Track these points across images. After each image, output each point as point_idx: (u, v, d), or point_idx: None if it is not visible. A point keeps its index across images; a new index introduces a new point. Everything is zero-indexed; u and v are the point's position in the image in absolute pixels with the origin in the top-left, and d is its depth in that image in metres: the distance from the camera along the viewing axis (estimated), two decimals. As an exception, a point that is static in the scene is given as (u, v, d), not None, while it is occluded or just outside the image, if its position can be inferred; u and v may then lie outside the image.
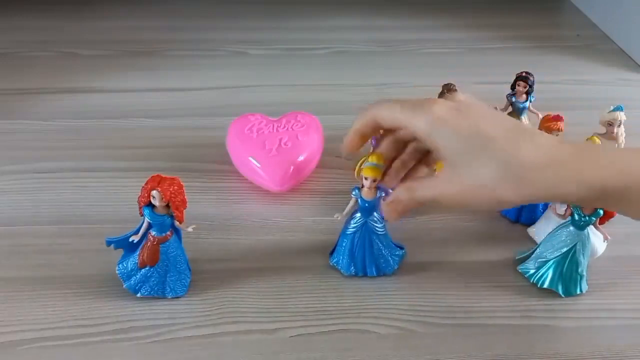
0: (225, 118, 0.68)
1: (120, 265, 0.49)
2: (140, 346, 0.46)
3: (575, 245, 0.49)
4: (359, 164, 0.58)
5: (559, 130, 0.55)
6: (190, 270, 0.51)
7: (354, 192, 0.50)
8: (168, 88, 0.83)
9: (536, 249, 0.52)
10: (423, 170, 0.47)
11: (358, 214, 0.51)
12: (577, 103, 0.81)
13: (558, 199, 0.41)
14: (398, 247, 0.54)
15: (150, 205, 0.46)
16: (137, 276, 0.49)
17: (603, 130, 0.57)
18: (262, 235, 0.57)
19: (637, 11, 0.93)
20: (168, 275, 0.49)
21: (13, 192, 0.62)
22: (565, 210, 0.49)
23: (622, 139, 0.57)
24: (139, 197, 0.46)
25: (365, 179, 0.49)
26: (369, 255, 0.52)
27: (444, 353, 0.46)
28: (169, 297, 0.50)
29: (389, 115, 0.43)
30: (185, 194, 0.46)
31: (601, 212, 0.48)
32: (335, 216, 0.51)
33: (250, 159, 0.61)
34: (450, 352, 0.46)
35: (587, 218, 0.48)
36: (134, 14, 1.08)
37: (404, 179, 0.47)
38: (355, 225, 0.51)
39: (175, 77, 0.86)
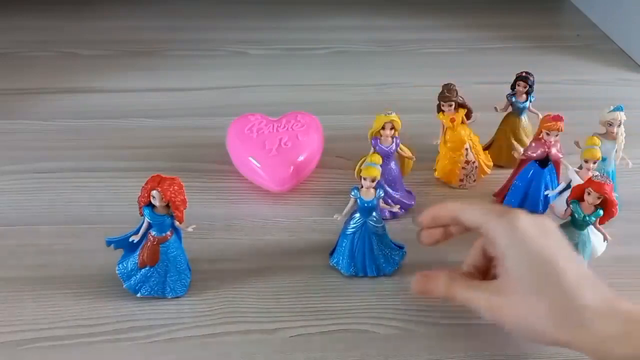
0: (225, 118, 0.68)
1: (120, 265, 0.49)
2: (140, 346, 0.46)
3: (575, 245, 0.49)
4: (359, 164, 0.58)
5: (558, 130, 0.55)
6: (190, 270, 0.51)
7: (353, 192, 0.50)
8: (168, 88, 0.83)
9: None
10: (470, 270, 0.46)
11: (357, 214, 0.51)
12: (577, 103, 0.81)
13: (598, 354, 0.38)
14: (398, 247, 0.54)
15: (150, 205, 0.46)
16: (137, 276, 0.49)
17: (603, 130, 0.57)
18: (262, 235, 0.57)
19: (637, 11, 0.93)
20: (168, 275, 0.49)
21: (13, 192, 0.62)
22: (565, 210, 0.49)
23: (622, 139, 0.57)
24: (139, 197, 0.46)
25: (364, 179, 0.49)
26: (369, 255, 0.52)
27: (444, 353, 0.46)
28: (169, 297, 0.50)
29: (471, 218, 0.44)
30: (185, 194, 0.46)
31: (601, 212, 0.48)
32: (334, 217, 0.51)
33: (250, 159, 0.61)
34: (450, 352, 0.46)
35: (587, 218, 0.48)
36: (134, 14, 1.08)
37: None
38: (354, 225, 0.51)
39: (175, 77, 0.86)
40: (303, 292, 0.51)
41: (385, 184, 0.58)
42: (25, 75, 0.86)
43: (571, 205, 0.49)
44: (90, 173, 0.65)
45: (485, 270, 0.46)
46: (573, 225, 0.49)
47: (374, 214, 0.51)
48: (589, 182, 0.47)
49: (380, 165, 0.57)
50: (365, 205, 0.50)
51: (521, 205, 0.58)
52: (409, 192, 0.60)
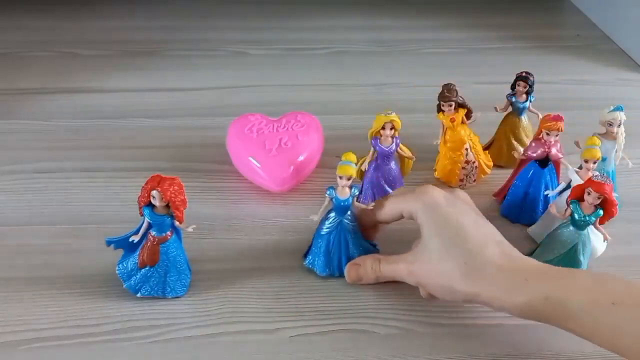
0: (225, 118, 0.68)
1: (120, 265, 0.49)
2: (140, 346, 0.46)
3: (575, 245, 0.49)
4: (359, 164, 0.58)
5: (558, 130, 0.55)
6: (190, 270, 0.51)
7: (328, 192, 0.50)
8: (168, 88, 0.83)
9: (536, 249, 0.52)
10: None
11: (332, 214, 0.50)
12: (577, 103, 0.81)
13: (504, 306, 0.43)
14: (371, 245, 0.53)
15: (150, 205, 0.46)
16: (137, 276, 0.49)
17: (603, 130, 0.57)
18: (262, 235, 0.57)
19: (637, 11, 0.93)
20: (168, 275, 0.49)
21: (13, 192, 0.62)
22: (565, 210, 0.49)
23: (622, 139, 0.57)
24: (139, 197, 0.46)
25: (340, 177, 0.49)
26: (345, 255, 0.51)
27: (444, 353, 0.46)
28: (169, 297, 0.50)
29: (395, 205, 0.50)
30: (185, 194, 0.46)
31: (601, 212, 0.48)
32: (311, 217, 0.51)
33: (250, 159, 0.61)
34: (450, 352, 0.46)
35: (587, 218, 0.48)
36: (134, 14, 1.08)
37: None
38: (330, 225, 0.51)
39: (175, 77, 0.86)
40: (303, 292, 0.51)
41: (385, 184, 0.58)
42: (25, 75, 0.86)
43: (571, 205, 0.49)
44: (90, 173, 0.65)
45: None
46: (573, 225, 0.49)
47: (348, 212, 0.50)
48: (589, 182, 0.47)
49: (380, 165, 0.57)
50: (341, 204, 0.49)
51: (521, 205, 0.58)
52: (409, 192, 0.60)
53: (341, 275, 0.52)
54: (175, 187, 0.46)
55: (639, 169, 0.63)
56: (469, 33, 1.03)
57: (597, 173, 0.50)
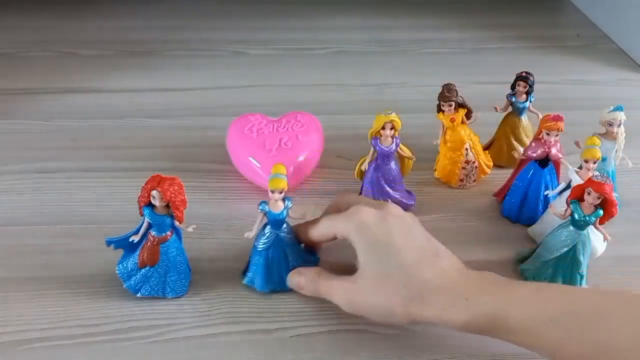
0: (225, 118, 0.68)
1: (120, 265, 0.49)
2: (140, 346, 0.46)
3: (575, 245, 0.49)
4: (359, 164, 0.58)
5: (558, 130, 0.55)
6: (190, 270, 0.51)
7: (261, 207, 0.48)
8: (168, 88, 0.83)
9: (536, 249, 0.52)
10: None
11: (268, 228, 0.49)
12: (577, 103, 0.81)
13: (446, 323, 0.42)
14: (311, 254, 0.52)
15: (151, 205, 0.46)
16: (137, 276, 0.49)
17: (603, 130, 0.57)
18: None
19: (637, 11, 0.93)
20: (168, 275, 0.49)
21: (13, 192, 0.62)
22: (565, 210, 0.49)
23: (622, 138, 0.57)
24: (139, 197, 0.46)
25: (271, 191, 0.47)
26: (285, 268, 0.50)
27: (444, 353, 0.46)
28: (170, 297, 0.50)
29: (331, 229, 0.48)
30: (185, 194, 0.46)
31: (601, 212, 0.48)
32: (245, 235, 0.49)
33: (250, 159, 0.61)
34: (450, 352, 0.46)
35: (587, 218, 0.48)
36: (134, 14, 1.08)
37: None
38: (266, 240, 0.49)
39: (175, 77, 0.86)
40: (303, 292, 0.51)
41: (385, 184, 0.58)
42: (25, 75, 0.86)
43: (571, 205, 0.49)
44: (90, 173, 0.65)
45: None
46: (573, 225, 0.49)
47: (284, 225, 0.49)
48: (589, 182, 0.47)
49: (380, 165, 0.57)
50: (276, 218, 0.48)
51: (521, 205, 0.58)
52: (409, 192, 0.60)
53: (283, 289, 0.50)
54: (175, 187, 0.46)
55: (639, 169, 0.63)
56: (469, 33, 1.03)
57: (597, 173, 0.50)
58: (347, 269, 0.47)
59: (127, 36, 0.99)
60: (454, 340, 0.47)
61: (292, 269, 0.50)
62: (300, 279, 0.49)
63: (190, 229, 0.48)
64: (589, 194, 0.47)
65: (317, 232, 0.49)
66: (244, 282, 0.51)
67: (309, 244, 0.51)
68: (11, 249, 0.55)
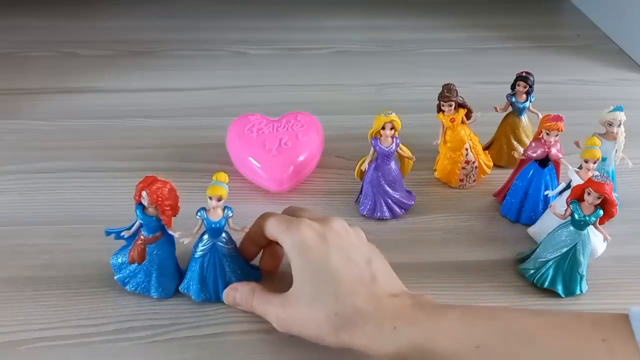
0: (225, 118, 0.68)
1: (114, 257, 0.50)
2: (140, 346, 0.46)
3: (575, 245, 0.49)
4: (359, 164, 0.58)
5: (558, 130, 0.55)
6: (180, 274, 0.50)
7: (199, 213, 0.47)
8: (168, 88, 0.83)
9: (536, 249, 0.52)
10: None
11: (205, 236, 0.48)
12: (577, 103, 0.81)
13: (375, 353, 0.41)
14: (253, 268, 0.51)
15: (143, 204, 0.46)
16: (127, 271, 0.49)
17: (603, 130, 0.57)
18: (262, 235, 0.57)
19: (637, 11, 0.93)
20: (153, 275, 0.49)
21: (13, 192, 0.62)
22: (565, 210, 0.49)
23: (622, 138, 0.57)
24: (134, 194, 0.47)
25: (210, 198, 0.46)
26: (221, 279, 0.49)
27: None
28: (154, 296, 0.50)
29: (268, 228, 0.47)
30: (177, 200, 0.46)
31: (601, 212, 0.48)
32: (182, 241, 0.47)
33: (250, 159, 0.61)
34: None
35: (587, 218, 0.48)
36: (134, 14, 1.08)
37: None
38: (203, 247, 0.48)
39: (175, 77, 0.86)
40: (303, 292, 0.51)
41: (385, 184, 0.58)
42: (25, 75, 0.86)
43: (571, 206, 0.49)
44: (90, 173, 0.65)
45: None
46: (573, 225, 0.49)
47: (223, 235, 0.48)
48: (589, 182, 0.47)
49: (380, 165, 0.57)
50: (213, 226, 0.47)
51: (521, 205, 0.58)
52: (409, 192, 0.60)
53: (218, 300, 0.49)
54: (164, 191, 0.45)
55: (639, 169, 0.63)
56: (469, 33, 1.03)
57: (597, 173, 0.50)
58: (284, 282, 0.46)
59: (127, 36, 0.99)
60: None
61: (229, 282, 0.49)
62: (235, 295, 0.48)
63: (176, 235, 0.48)
64: (589, 194, 0.47)
65: (267, 228, 0.47)
66: (180, 289, 0.50)
67: (268, 257, 0.51)
68: (11, 249, 0.55)
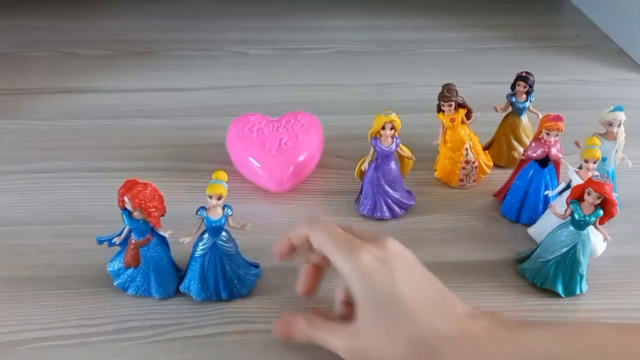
0: (225, 118, 0.68)
1: (110, 264, 0.50)
2: (140, 346, 0.46)
3: (575, 245, 0.49)
4: (359, 164, 0.58)
5: (558, 130, 0.55)
6: (178, 272, 0.51)
7: (199, 212, 0.47)
8: (168, 88, 0.83)
9: (536, 249, 0.52)
10: (338, 305, 0.45)
11: (206, 235, 0.48)
12: (577, 103, 0.81)
13: None
14: (253, 266, 0.52)
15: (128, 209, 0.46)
16: (124, 275, 0.49)
17: (603, 130, 0.57)
18: (262, 235, 0.57)
19: (637, 11, 0.93)
20: (152, 277, 0.49)
21: (13, 192, 0.62)
22: (565, 210, 0.49)
23: (622, 138, 0.57)
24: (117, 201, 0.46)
25: (210, 197, 0.46)
26: (222, 278, 0.49)
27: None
28: (156, 297, 0.50)
29: (320, 245, 0.43)
30: (162, 199, 0.46)
31: (601, 212, 0.48)
32: (181, 240, 0.47)
33: (250, 159, 0.61)
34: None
35: (587, 218, 0.48)
36: (134, 14, 1.08)
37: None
38: (203, 247, 0.48)
39: (175, 77, 0.86)
40: (303, 292, 0.51)
41: (385, 184, 0.58)
42: (25, 75, 0.86)
43: (571, 206, 0.49)
44: (90, 173, 0.65)
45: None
46: (573, 225, 0.49)
47: (223, 233, 0.48)
48: (589, 182, 0.47)
49: (380, 165, 0.57)
50: (213, 224, 0.47)
51: (521, 205, 0.58)
52: (409, 192, 0.60)
53: (219, 299, 0.50)
54: (146, 194, 0.45)
55: (639, 169, 0.63)
56: (469, 33, 1.03)
57: (597, 173, 0.50)
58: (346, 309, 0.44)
59: (127, 36, 0.99)
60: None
61: (230, 280, 0.49)
62: (289, 329, 0.44)
63: (167, 234, 0.48)
64: (589, 194, 0.47)
65: (318, 243, 0.43)
66: (180, 289, 0.50)
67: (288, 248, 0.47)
68: (11, 249, 0.55)
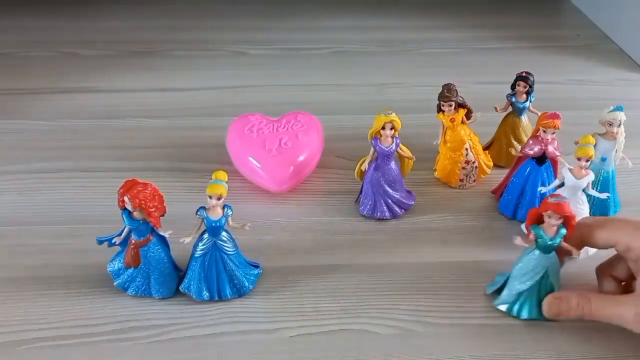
0: (225, 118, 0.68)
1: (110, 264, 0.50)
2: (140, 346, 0.46)
3: (546, 270, 0.47)
4: (359, 164, 0.58)
5: (555, 127, 0.55)
6: (179, 272, 0.51)
7: (199, 212, 0.47)
8: (168, 88, 0.83)
9: (507, 280, 0.50)
10: (610, 283, 0.49)
11: (206, 235, 0.48)
12: (577, 103, 0.81)
13: None
14: (253, 265, 0.52)
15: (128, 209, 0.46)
16: (125, 275, 0.49)
17: (603, 130, 0.57)
18: (262, 235, 0.57)
19: (637, 11, 0.93)
20: (152, 277, 0.49)
21: (13, 192, 0.62)
22: (529, 236, 0.47)
23: (622, 138, 0.57)
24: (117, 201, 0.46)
25: (209, 197, 0.46)
26: (222, 278, 0.49)
27: (444, 353, 0.46)
28: (156, 297, 0.50)
29: (615, 235, 0.46)
30: (162, 199, 0.46)
31: (564, 231, 0.46)
32: (181, 240, 0.47)
33: (250, 159, 0.61)
34: (450, 352, 0.46)
35: (552, 241, 0.46)
36: (134, 14, 1.08)
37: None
38: (203, 246, 0.48)
39: (175, 77, 0.87)
40: (303, 292, 0.51)
41: (385, 184, 0.58)
42: (25, 75, 0.86)
43: (533, 231, 0.47)
44: (90, 173, 0.65)
45: (627, 284, 0.48)
46: (539, 250, 0.47)
47: (223, 233, 0.48)
48: (547, 205, 0.45)
49: (380, 165, 0.57)
50: (213, 224, 0.47)
51: (517, 202, 0.58)
52: (409, 192, 0.60)
53: (220, 299, 0.50)
54: (146, 194, 0.45)
55: (639, 169, 0.63)
56: (469, 33, 1.03)
57: (558, 193, 0.48)
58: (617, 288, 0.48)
59: (127, 36, 0.99)
60: (454, 340, 0.47)
61: (230, 280, 0.49)
62: (560, 305, 0.47)
63: (166, 234, 0.48)
64: (549, 217, 0.45)
65: (598, 236, 0.47)
66: (180, 288, 0.50)
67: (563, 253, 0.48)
68: (11, 249, 0.55)
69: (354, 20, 1.07)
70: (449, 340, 0.47)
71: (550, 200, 0.45)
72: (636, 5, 0.93)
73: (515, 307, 0.49)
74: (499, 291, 0.50)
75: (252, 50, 0.96)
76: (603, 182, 0.58)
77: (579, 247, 0.47)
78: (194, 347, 0.46)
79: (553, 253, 0.47)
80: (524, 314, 0.49)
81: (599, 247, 0.48)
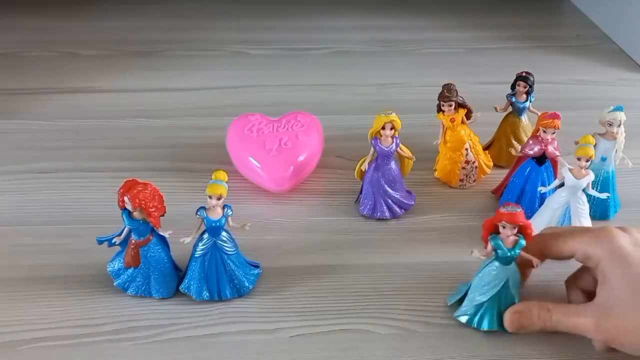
0: (225, 118, 0.68)
1: (110, 264, 0.50)
2: (140, 346, 0.46)
3: (507, 281, 0.46)
4: (359, 164, 0.58)
5: (555, 127, 0.55)
6: (178, 272, 0.51)
7: (199, 212, 0.47)
8: (168, 88, 0.83)
9: (467, 292, 0.49)
10: (577, 295, 0.48)
11: (206, 235, 0.48)
12: (577, 103, 0.81)
13: None
14: (253, 265, 0.52)
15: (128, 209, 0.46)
16: (124, 275, 0.49)
17: (603, 130, 0.57)
18: (262, 235, 0.57)
19: (637, 11, 0.93)
20: (152, 277, 0.49)
21: (13, 192, 0.62)
22: (487, 248, 0.46)
23: (622, 138, 0.57)
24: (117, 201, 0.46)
25: (209, 197, 0.46)
26: (222, 278, 0.49)
27: (444, 353, 0.46)
28: (156, 297, 0.50)
29: (569, 243, 0.46)
30: (162, 199, 0.46)
31: (523, 242, 0.45)
32: (182, 240, 0.47)
33: (250, 159, 0.61)
34: (450, 352, 0.46)
35: (511, 252, 0.45)
36: (134, 14, 1.08)
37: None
38: (203, 247, 0.48)
39: (175, 77, 0.86)
40: (303, 292, 0.51)
41: (385, 184, 0.58)
42: (25, 75, 0.86)
43: (492, 242, 0.45)
44: (90, 173, 0.65)
45: (592, 293, 0.46)
46: (498, 261, 0.46)
47: (223, 233, 0.48)
48: (500, 215, 0.44)
49: (380, 165, 0.57)
50: (213, 225, 0.47)
51: (517, 202, 0.58)
52: (409, 192, 0.60)
53: (219, 299, 0.50)
54: (146, 194, 0.45)
55: (639, 169, 0.63)
56: (469, 33, 1.03)
57: (511, 202, 0.46)
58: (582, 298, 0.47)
59: (127, 36, 0.99)
60: (454, 340, 0.47)
61: (229, 279, 0.49)
62: (521, 318, 0.46)
63: (166, 234, 0.48)
64: (504, 227, 0.44)
65: (556, 247, 0.46)
66: (180, 288, 0.50)
67: (526, 265, 0.47)
68: (11, 249, 0.55)
69: (354, 20, 1.07)
70: (449, 340, 0.47)
71: (503, 210, 0.44)
72: (636, 5, 0.93)
73: (476, 319, 0.48)
74: (460, 301, 0.49)
75: (252, 50, 0.96)
76: (603, 182, 0.58)
77: (540, 259, 0.47)
78: (194, 347, 0.46)
79: (513, 264, 0.46)
80: (485, 325, 0.47)
81: (560, 258, 0.47)
